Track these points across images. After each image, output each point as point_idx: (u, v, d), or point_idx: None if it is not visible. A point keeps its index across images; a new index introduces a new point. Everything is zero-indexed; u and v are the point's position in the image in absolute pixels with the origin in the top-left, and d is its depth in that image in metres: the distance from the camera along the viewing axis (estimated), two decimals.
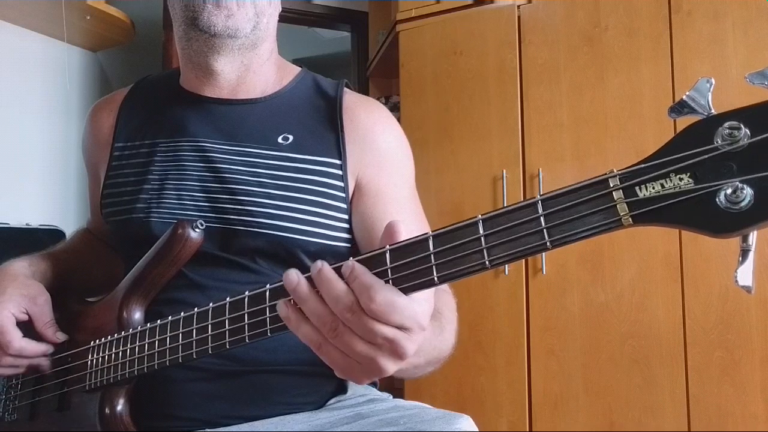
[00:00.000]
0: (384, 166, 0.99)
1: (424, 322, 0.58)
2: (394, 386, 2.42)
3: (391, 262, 0.59)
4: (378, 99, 2.95)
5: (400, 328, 0.57)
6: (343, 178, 0.96)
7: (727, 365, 2.01)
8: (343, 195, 0.96)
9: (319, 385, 0.95)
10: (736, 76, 2.03)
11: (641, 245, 2.14)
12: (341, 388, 0.98)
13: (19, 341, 0.92)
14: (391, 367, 0.60)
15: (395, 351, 0.58)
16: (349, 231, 0.98)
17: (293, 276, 0.61)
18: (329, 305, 0.58)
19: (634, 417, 2.12)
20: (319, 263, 0.60)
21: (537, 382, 2.26)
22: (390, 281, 0.58)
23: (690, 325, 2.07)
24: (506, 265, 2.30)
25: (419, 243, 0.58)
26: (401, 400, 0.96)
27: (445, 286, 0.92)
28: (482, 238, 0.54)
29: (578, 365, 2.21)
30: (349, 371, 0.61)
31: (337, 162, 0.97)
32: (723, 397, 2.01)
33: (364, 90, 3.35)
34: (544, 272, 2.26)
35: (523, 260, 2.28)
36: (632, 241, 2.15)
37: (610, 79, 2.23)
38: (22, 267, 1.00)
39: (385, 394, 1.01)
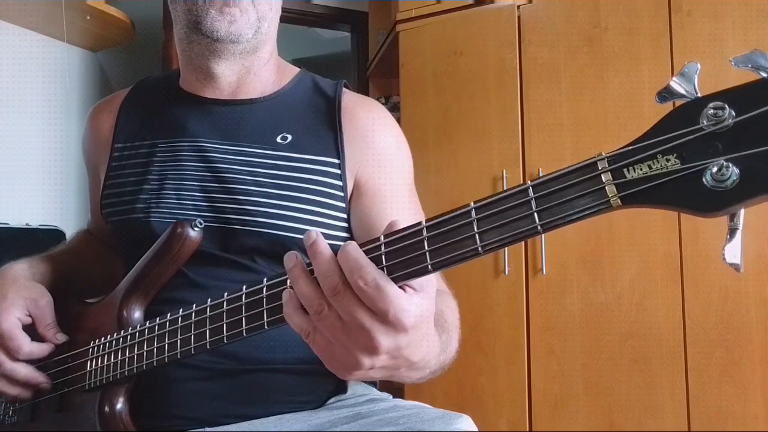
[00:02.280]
0: (383, 166, 1.00)
1: (408, 322, 0.57)
2: (394, 386, 2.41)
3: (385, 250, 0.59)
4: (378, 99, 2.95)
5: (383, 319, 0.56)
6: (341, 177, 0.97)
7: (727, 365, 2.01)
8: (342, 194, 0.97)
9: (319, 384, 0.95)
10: (735, 76, 2.02)
11: (641, 245, 2.14)
12: (341, 388, 0.98)
13: (28, 346, 0.92)
14: (365, 361, 0.59)
15: (369, 345, 0.57)
16: (348, 230, 0.98)
17: (292, 256, 0.62)
18: (318, 280, 0.59)
19: (634, 417, 2.12)
20: (314, 234, 0.60)
21: (537, 382, 2.26)
22: (384, 269, 0.58)
23: (690, 325, 2.06)
24: (506, 266, 2.30)
25: (412, 231, 0.58)
26: (401, 400, 0.96)
27: (446, 289, 0.92)
28: (474, 224, 0.54)
29: (578, 365, 2.20)
30: (332, 361, 0.62)
31: (336, 161, 0.97)
32: (723, 397, 2.01)
33: (364, 90, 3.35)
34: (544, 272, 2.26)
35: (523, 260, 2.29)
36: (632, 241, 2.15)
37: (610, 79, 2.24)
38: (22, 269, 1.00)
39: (385, 394, 1.01)
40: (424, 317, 0.60)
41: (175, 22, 1.01)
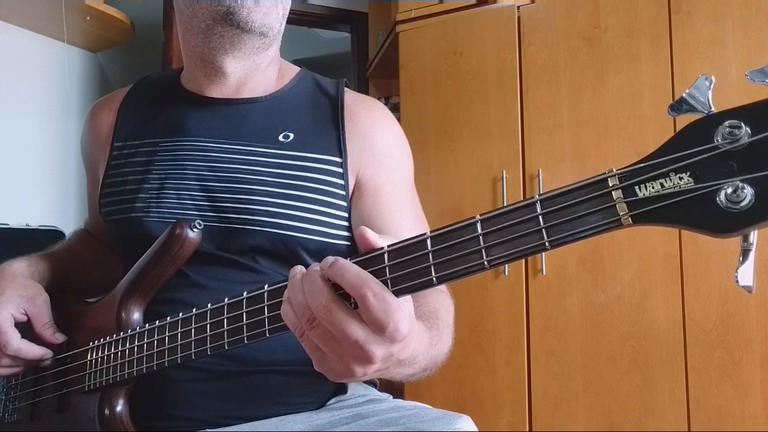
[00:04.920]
0: (383, 165, 0.99)
1: (404, 332, 0.57)
2: (394, 386, 2.41)
3: (389, 262, 0.58)
4: (378, 99, 2.95)
5: (379, 332, 0.56)
6: (343, 175, 0.97)
7: (727, 366, 2.01)
8: (344, 193, 0.96)
9: (319, 385, 0.95)
10: (736, 77, 2.03)
11: (641, 246, 2.14)
12: (341, 388, 0.98)
13: (17, 342, 0.91)
14: (358, 370, 0.59)
15: (363, 356, 0.58)
16: (349, 229, 0.98)
17: (297, 268, 0.63)
18: (307, 299, 0.59)
19: (634, 417, 2.12)
20: (314, 265, 0.61)
21: (537, 383, 2.26)
22: (388, 281, 0.58)
23: (690, 325, 2.07)
24: (506, 266, 2.29)
25: (417, 243, 0.57)
26: (401, 400, 0.96)
27: (443, 287, 0.92)
28: (481, 238, 0.54)
29: (578, 366, 2.20)
30: (322, 365, 0.62)
31: (338, 160, 0.97)
32: (723, 397, 2.01)
33: (364, 90, 3.35)
34: (544, 273, 2.26)
35: (523, 261, 2.28)
36: (632, 242, 2.15)
37: (610, 80, 2.23)
38: (21, 267, 1.00)
39: (385, 395, 1.01)
40: (414, 320, 0.60)
41: (191, 17, 0.98)
